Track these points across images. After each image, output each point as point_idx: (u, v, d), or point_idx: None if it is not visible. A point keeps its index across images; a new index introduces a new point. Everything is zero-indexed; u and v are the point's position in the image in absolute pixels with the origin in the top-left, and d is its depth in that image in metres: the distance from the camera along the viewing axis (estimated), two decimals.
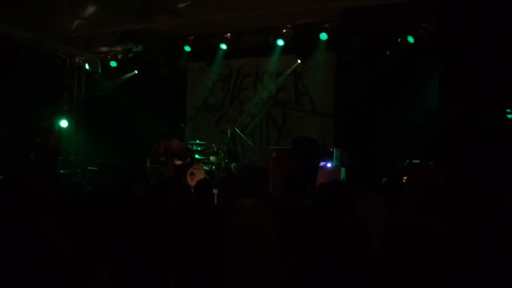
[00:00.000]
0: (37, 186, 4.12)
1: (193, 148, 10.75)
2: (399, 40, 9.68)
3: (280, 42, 10.60)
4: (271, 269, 3.38)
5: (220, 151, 10.76)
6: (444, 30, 7.16)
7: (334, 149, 9.49)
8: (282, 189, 4.66)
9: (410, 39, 9.54)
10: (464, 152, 6.64)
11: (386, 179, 5.29)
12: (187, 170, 9.87)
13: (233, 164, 10.67)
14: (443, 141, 6.98)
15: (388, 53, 10.00)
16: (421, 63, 9.52)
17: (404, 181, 3.36)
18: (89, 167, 11.33)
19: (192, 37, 11.21)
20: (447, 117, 7.06)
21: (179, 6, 9.20)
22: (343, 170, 9.35)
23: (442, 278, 2.72)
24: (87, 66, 12.78)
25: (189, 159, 9.78)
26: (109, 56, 12.39)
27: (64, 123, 12.40)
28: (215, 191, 3.96)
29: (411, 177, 3.05)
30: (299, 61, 11.22)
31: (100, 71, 12.62)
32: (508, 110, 7.17)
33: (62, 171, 11.17)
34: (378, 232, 3.14)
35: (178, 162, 9.77)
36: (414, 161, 8.03)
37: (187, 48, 11.36)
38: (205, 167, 10.29)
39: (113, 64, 12.35)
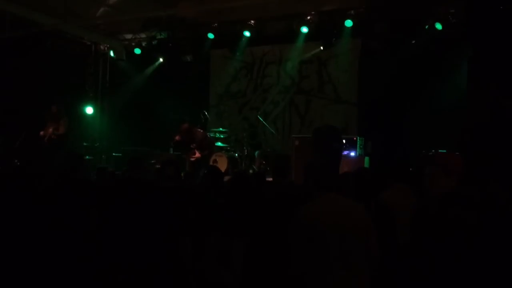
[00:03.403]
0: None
1: (216, 136, 10.77)
2: (426, 27, 9.46)
3: (304, 29, 10.46)
4: (329, 276, 2.83)
5: (243, 139, 10.76)
6: (474, 17, 6.97)
7: (358, 137, 9.39)
8: (305, 178, 4.63)
9: (438, 26, 9.31)
10: (492, 141, 6.49)
11: (412, 169, 5.21)
12: (209, 158, 9.91)
13: (256, 152, 10.66)
14: (470, 130, 6.84)
15: (413, 42, 9.81)
16: (448, 50, 9.31)
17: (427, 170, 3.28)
18: (113, 154, 11.46)
19: (216, 24, 11.17)
20: (475, 106, 6.90)
21: None
22: (367, 159, 9.25)
23: (469, 269, 2.67)
24: (111, 53, 12.88)
25: (206, 152, 9.78)
26: (133, 43, 12.45)
27: (89, 110, 12.57)
28: None
29: (435, 166, 2.99)
30: (321, 48, 11.09)
31: (124, 58, 12.73)
32: None
33: (87, 157, 11.33)
34: (405, 221, 3.09)
35: (194, 157, 9.75)
36: (440, 150, 7.88)
37: (211, 35, 11.31)
38: (227, 155, 10.30)
39: (137, 51, 12.40)
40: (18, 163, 8.56)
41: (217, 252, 3.81)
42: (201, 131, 9.99)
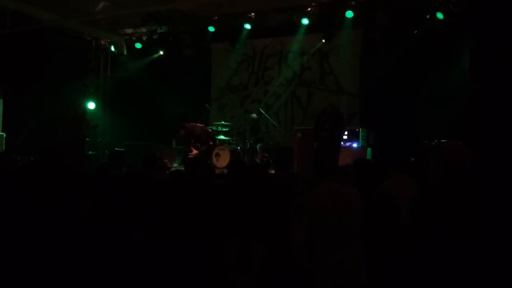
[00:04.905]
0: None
1: (218, 129, 10.78)
2: (427, 16, 9.41)
3: (305, 21, 10.43)
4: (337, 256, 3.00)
5: (245, 132, 10.75)
6: (475, 6, 6.94)
7: (360, 129, 9.39)
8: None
9: (439, 16, 9.26)
10: (493, 130, 6.48)
11: (413, 159, 5.21)
12: (211, 152, 9.91)
13: (258, 145, 10.66)
14: (471, 120, 6.83)
15: (415, 32, 9.76)
16: (450, 40, 9.27)
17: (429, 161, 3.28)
18: (116, 148, 11.48)
19: (216, 17, 11.14)
20: (477, 96, 6.88)
21: None
22: (369, 150, 9.26)
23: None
24: (112, 48, 12.88)
25: (204, 148, 9.78)
26: (134, 38, 12.45)
27: (91, 105, 12.58)
28: None
29: (436, 155, 2.99)
30: (323, 40, 11.06)
31: (125, 52, 12.72)
32: None
33: (90, 152, 11.37)
34: (406, 211, 3.10)
35: (191, 155, 9.74)
36: (442, 140, 7.86)
37: (211, 29, 11.30)
38: (230, 148, 10.30)
39: (138, 45, 12.40)
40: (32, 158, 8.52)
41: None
42: (201, 125, 9.99)
